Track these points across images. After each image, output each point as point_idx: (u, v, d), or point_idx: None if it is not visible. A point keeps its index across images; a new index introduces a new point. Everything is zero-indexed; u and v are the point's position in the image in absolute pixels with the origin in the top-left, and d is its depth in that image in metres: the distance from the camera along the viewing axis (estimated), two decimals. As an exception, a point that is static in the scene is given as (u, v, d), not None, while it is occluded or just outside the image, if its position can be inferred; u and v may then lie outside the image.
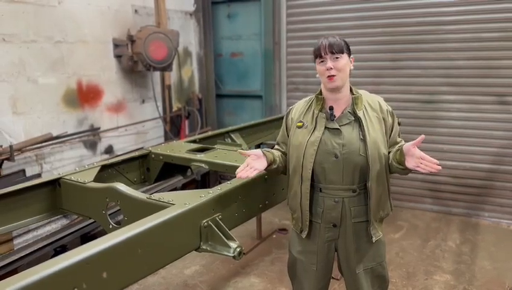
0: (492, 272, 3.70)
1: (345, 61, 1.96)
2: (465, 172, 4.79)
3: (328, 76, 1.94)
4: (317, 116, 2.02)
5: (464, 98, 4.68)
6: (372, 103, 2.03)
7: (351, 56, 2.02)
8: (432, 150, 4.85)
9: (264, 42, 5.61)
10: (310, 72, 5.44)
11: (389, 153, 2.02)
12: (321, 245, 2.11)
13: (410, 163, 1.86)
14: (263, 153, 2.06)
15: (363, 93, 2.07)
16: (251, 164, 2.00)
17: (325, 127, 1.99)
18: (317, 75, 2.03)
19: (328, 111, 2.01)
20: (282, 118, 4.47)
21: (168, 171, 3.02)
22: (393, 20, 4.83)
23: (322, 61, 1.96)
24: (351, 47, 2.04)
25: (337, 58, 1.94)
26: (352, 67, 2.01)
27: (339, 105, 2.02)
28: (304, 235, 2.11)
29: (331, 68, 1.92)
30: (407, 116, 4.83)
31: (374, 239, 2.05)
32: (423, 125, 4.86)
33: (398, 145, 2.00)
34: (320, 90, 2.08)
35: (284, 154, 2.19)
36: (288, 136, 2.15)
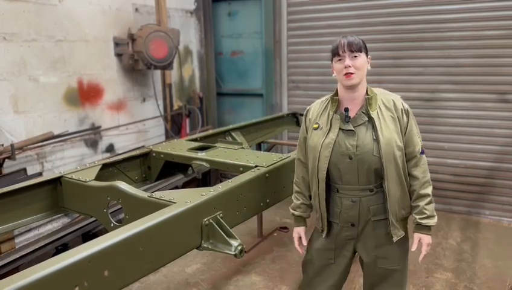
0: (493, 270, 3.70)
1: (363, 60, 1.96)
2: (466, 170, 4.79)
3: (346, 74, 1.93)
4: (332, 118, 2.02)
5: (466, 96, 4.67)
6: (386, 102, 2.01)
7: (368, 56, 2.01)
8: (433, 148, 4.85)
9: (265, 41, 5.60)
10: (310, 71, 5.44)
11: (406, 157, 2.02)
12: (339, 243, 2.15)
13: (414, 242, 2.08)
14: (303, 228, 2.29)
15: (379, 92, 2.05)
16: (300, 246, 2.30)
17: (340, 129, 1.99)
18: (334, 74, 2.02)
19: (343, 112, 2.00)
20: (282, 116, 4.55)
21: (169, 169, 3.03)
22: (395, 18, 4.82)
23: (339, 60, 1.95)
24: None
25: (355, 56, 1.93)
26: (369, 67, 2.01)
27: (354, 105, 2.01)
28: (323, 234, 2.15)
29: (349, 66, 1.91)
30: (408, 114, 4.82)
31: (395, 238, 2.05)
32: (424, 123, 4.85)
33: (419, 208, 2.03)
34: (336, 92, 2.06)
35: (305, 166, 2.20)
36: (307, 135, 2.15)
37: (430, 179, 2.04)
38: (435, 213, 2.04)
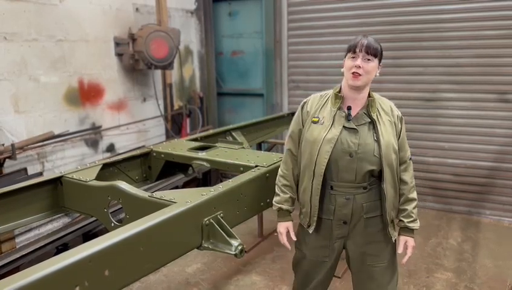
0: (494, 270, 3.70)
1: (374, 65, 1.96)
2: (467, 170, 4.78)
3: (354, 73, 1.93)
4: (335, 114, 2.02)
5: (466, 96, 4.67)
6: (384, 107, 2.06)
7: (381, 63, 2.02)
8: (433, 148, 4.85)
9: (265, 40, 5.60)
10: (310, 71, 5.44)
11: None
12: (332, 241, 2.14)
13: (400, 245, 2.15)
14: (291, 222, 2.21)
15: (376, 96, 2.08)
16: (288, 242, 2.21)
17: (343, 126, 2.00)
18: (342, 70, 2.02)
19: (346, 110, 2.01)
20: (283, 116, 4.54)
21: (170, 169, 3.03)
22: (394, 18, 4.82)
23: (353, 57, 1.95)
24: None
25: (368, 60, 1.94)
26: (377, 74, 2.01)
27: (356, 105, 2.03)
28: (310, 230, 2.12)
29: (360, 67, 1.92)
30: (409, 114, 4.81)
31: (393, 239, 2.11)
32: (425, 123, 4.85)
33: (407, 211, 2.10)
34: (340, 88, 2.07)
35: (295, 158, 2.16)
36: (303, 127, 2.13)
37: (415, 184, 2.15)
38: (417, 217, 2.14)
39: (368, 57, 1.93)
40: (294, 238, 2.21)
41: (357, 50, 1.93)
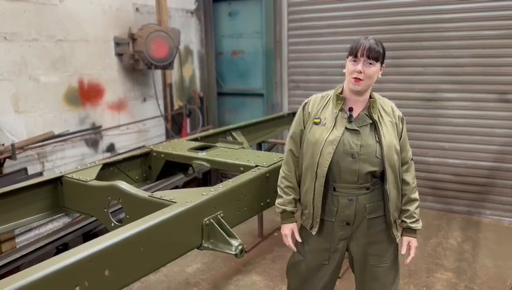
0: (494, 270, 3.70)
1: (376, 69, 1.95)
2: (467, 170, 4.78)
3: (355, 78, 1.92)
4: (337, 115, 2.01)
5: (466, 95, 4.67)
6: (385, 107, 2.05)
7: (383, 64, 2.00)
8: (434, 148, 4.85)
9: (265, 40, 5.60)
10: (310, 71, 5.44)
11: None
12: (334, 243, 2.13)
13: (403, 245, 2.15)
14: (295, 223, 2.19)
15: (376, 96, 2.07)
16: (292, 245, 2.21)
17: (345, 128, 1.99)
18: (344, 70, 2.02)
19: (348, 112, 2.01)
20: (283, 116, 4.54)
21: (170, 169, 3.03)
22: (394, 18, 4.82)
23: (354, 61, 1.94)
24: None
25: (370, 64, 1.92)
26: (380, 76, 2.00)
27: (357, 106, 2.02)
28: (313, 232, 2.11)
29: (361, 72, 1.91)
30: (410, 114, 4.81)
31: (397, 240, 2.12)
32: (425, 123, 4.85)
33: (410, 212, 2.11)
34: (342, 89, 2.06)
35: (297, 159, 2.15)
36: (304, 128, 2.11)
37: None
38: (420, 218, 2.15)
39: (369, 61, 1.92)
40: (299, 239, 2.19)
41: (359, 54, 1.92)
